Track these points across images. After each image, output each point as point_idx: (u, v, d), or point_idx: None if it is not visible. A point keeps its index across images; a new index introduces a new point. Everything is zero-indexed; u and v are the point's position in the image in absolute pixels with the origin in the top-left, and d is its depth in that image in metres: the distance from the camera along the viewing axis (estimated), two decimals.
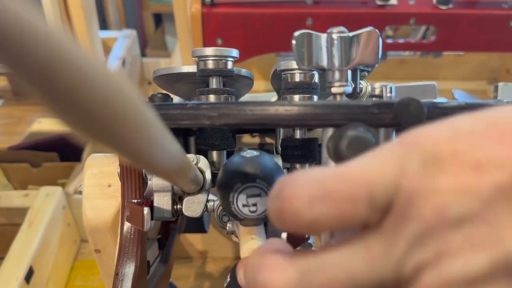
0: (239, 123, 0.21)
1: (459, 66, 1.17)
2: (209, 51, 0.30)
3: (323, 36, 0.22)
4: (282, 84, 0.33)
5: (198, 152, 0.35)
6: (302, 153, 0.32)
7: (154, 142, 0.13)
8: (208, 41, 0.77)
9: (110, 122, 0.11)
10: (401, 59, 1.12)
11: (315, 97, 0.32)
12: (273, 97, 0.53)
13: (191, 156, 0.30)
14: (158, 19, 1.78)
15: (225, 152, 0.33)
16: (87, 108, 0.10)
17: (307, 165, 0.33)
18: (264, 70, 1.05)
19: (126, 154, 0.13)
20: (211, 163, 0.32)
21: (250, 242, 0.25)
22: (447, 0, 0.77)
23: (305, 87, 0.31)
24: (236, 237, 0.34)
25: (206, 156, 0.33)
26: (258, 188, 0.24)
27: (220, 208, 0.36)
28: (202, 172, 0.30)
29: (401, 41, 0.81)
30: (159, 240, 0.45)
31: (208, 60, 0.31)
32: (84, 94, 0.10)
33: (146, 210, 0.27)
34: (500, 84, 0.59)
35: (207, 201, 0.31)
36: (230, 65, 0.31)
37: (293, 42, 0.22)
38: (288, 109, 0.20)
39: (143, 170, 0.35)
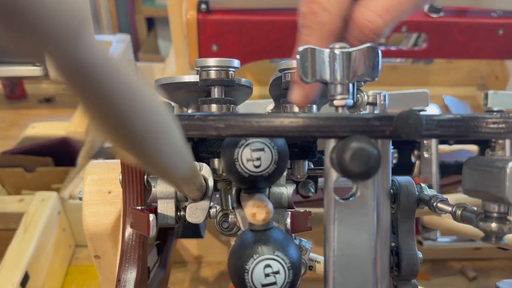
0: (245, 134, 0.22)
1: (449, 72, 1.19)
2: (211, 61, 0.31)
3: (326, 51, 0.23)
4: (282, 83, 0.34)
5: (199, 159, 0.35)
6: (301, 150, 0.33)
7: (178, 154, 0.14)
8: (203, 47, 0.78)
9: (150, 139, 0.12)
10: (393, 66, 1.13)
11: (314, 107, 0.32)
12: (270, 104, 0.54)
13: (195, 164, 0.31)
14: (151, 23, 1.78)
15: None
16: (134, 128, 0.11)
17: (306, 162, 0.34)
18: (258, 75, 1.06)
19: (154, 166, 0.13)
20: (213, 170, 0.33)
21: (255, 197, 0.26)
22: (438, 9, 0.78)
23: None
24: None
25: (207, 163, 0.34)
26: (261, 143, 0.26)
27: (220, 214, 0.36)
28: (205, 179, 0.31)
29: (393, 48, 0.83)
30: (157, 245, 0.46)
31: (210, 70, 0.32)
32: (135, 118, 0.11)
33: (151, 216, 0.28)
34: (490, 92, 0.60)
35: (210, 207, 0.32)
36: (231, 75, 0.32)
37: (297, 56, 0.23)
38: (293, 121, 0.21)
39: (146, 177, 0.36)
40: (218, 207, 0.36)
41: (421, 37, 0.84)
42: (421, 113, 0.23)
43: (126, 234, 0.36)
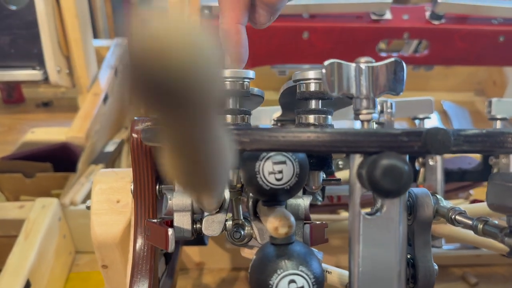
0: (270, 148, 0.22)
1: (447, 77, 1.19)
2: (227, 72, 0.31)
3: (352, 65, 0.23)
4: (297, 94, 0.33)
5: None
6: (317, 161, 0.33)
7: (224, 183, 0.14)
8: None
9: (217, 178, 0.12)
10: None
11: (330, 117, 0.32)
12: (277, 111, 0.54)
13: None
14: None
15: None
16: (213, 171, 0.11)
17: (321, 173, 0.34)
18: (259, 81, 1.06)
19: (205, 192, 0.13)
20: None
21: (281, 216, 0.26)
22: (440, 16, 0.79)
23: (320, 96, 0.32)
24: (250, 248, 0.35)
25: None
26: (283, 155, 0.26)
27: (232, 224, 0.36)
28: None
29: (394, 54, 0.83)
30: (165, 255, 0.45)
31: (225, 81, 0.31)
32: (216, 165, 0.11)
33: (170, 231, 0.27)
34: (494, 100, 0.61)
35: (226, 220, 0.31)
36: (246, 86, 0.32)
37: (323, 70, 0.22)
38: (320, 136, 0.21)
39: (157, 188, 0.35)
40: (229, 217, 0.36)
41: (422, 43, 0.84)
42: (426, 124, 0.23)
43: (137, 245, 0.36)
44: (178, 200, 0.30)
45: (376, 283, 0.23)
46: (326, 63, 0.22)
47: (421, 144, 0.20)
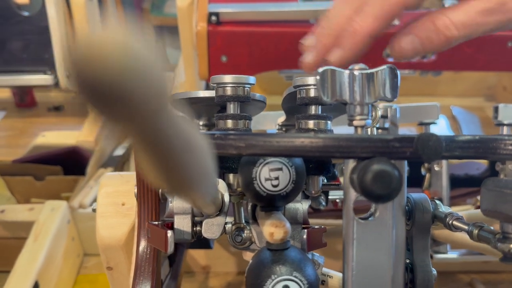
0: (265, 153, 0.22)
1: (456, 83, 1.19)
2: (228, 78, 0.32)
3: (346, 72, 0.23)
4: (297, 100, 0.34)
5: None
6: (316, 166, 0.33)
7: (211, 184, 0.14)
8: (213, 58, 0.79)
9: (197, 179, 0.12)
10: (401, 77, 1.13)
11: (329, 123, 0.33)
12: (281, 116, 0.54)
13: None
14: (159, 31, 1.79)
15: None
16: (188, 173, 0.12)
17: (320, 177, 0.34)
18: (266, 85, 1.07)
19: (190, 196, 0.14)
20: (228, 185, 0.33)
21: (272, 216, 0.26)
22: None
23: (320, 102, 0.32)
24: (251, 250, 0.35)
25: (222, 178, 0.34)
26: (280, 162, 0.26)
27: (234, 227, 0.37)
28: (220, 194, 0.31)
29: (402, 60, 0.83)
30: (169, 257, 0.46)
31: (226, 86, 0.32)
32: (191, 166, 0.11)
33: (170, 233, 0.28)
34: (501, 105, 0.60)
35: (225, 223, 0.32)
36: (247, 91, 0.32)
37: (317, 77, 0.23)
38: (314, 141, 0.21)
39: (160, 191, 0.36)
40: (231, 220, 0.36)
41: None
42: (433, 130, 0.23)
43: (140, 247, 0.37)
44: (179, 203, 0.31)
45: (369, 287, 0.23)
46: (319, 70, 0.23)
47: (412, 149, 0.21)
